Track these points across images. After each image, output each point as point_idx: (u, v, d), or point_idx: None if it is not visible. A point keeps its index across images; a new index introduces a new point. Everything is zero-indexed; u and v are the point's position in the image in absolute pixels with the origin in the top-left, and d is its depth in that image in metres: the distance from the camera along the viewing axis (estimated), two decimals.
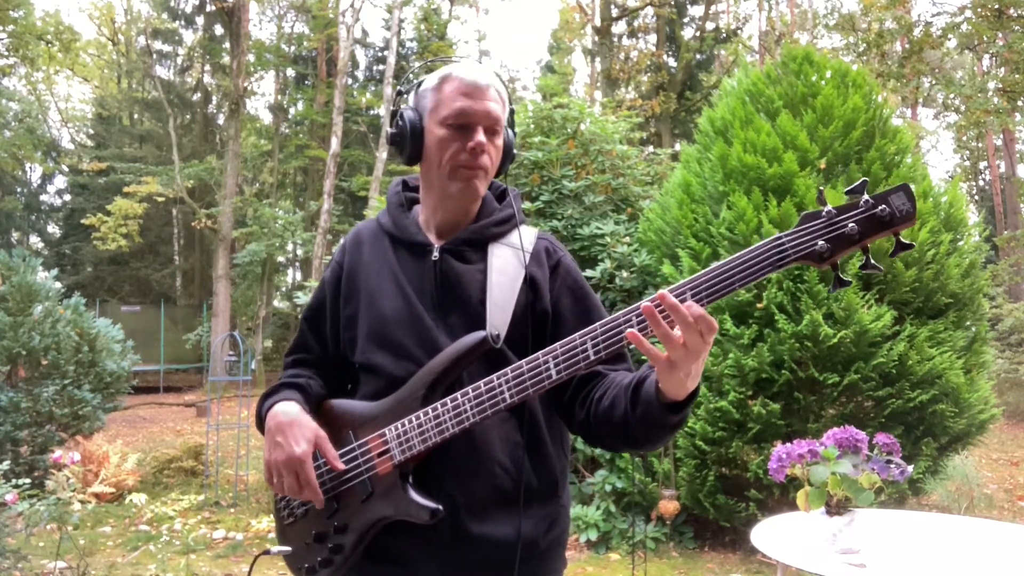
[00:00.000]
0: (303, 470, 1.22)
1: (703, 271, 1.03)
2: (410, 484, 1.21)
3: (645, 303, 1.02)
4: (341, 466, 1.25)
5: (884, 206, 0.95)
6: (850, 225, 0.96)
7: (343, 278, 1.38)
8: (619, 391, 1.17)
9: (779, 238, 1.00)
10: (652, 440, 1.17)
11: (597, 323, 1.10)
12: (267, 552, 1.32)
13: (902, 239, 0.97)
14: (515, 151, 1.39)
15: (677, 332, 0.99)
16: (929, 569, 2.07)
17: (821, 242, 0.98)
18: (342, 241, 1.46)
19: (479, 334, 1.19)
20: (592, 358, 1.10)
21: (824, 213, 0.98)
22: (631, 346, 1.08)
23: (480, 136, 1.25)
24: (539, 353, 1.13)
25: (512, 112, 1.38)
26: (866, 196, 0.96)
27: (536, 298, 1.29)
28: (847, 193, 0.98)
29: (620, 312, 1.09)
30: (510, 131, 1.35)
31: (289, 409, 1.28)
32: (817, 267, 1.00)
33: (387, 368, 1.28)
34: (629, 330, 1.03)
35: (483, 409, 1.15)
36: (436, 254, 1.31)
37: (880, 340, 4.41)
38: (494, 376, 1.15)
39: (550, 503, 1.29)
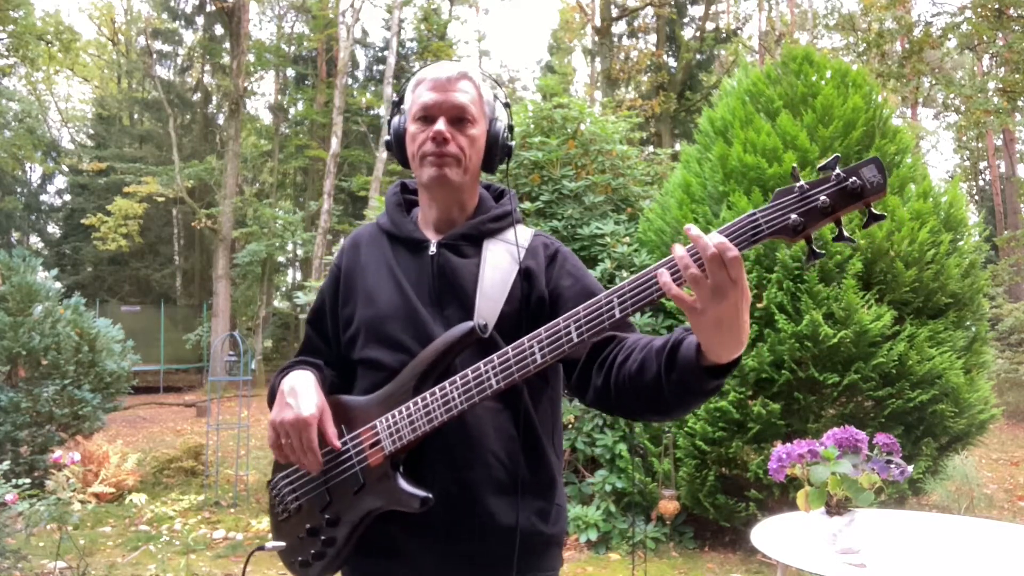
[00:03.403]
0: (307, 432, 1.23)
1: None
2: (400, 473, 1.22)
3: (657, 267, 1.02)
4: (339, 445, 1.26)
5: (855, 178, 0.96)
6: (822, 198, 0.97)
7: (341, 280, 1.41)
8: (648, 354, 1.14)
9: (753, 214, 1.00)
10: (683, 406, 1.14)
11: (580, 306, 1.10)
12: (262, 548, 1.33)
13: (874, 210, 0.99)
14: (509, 145, 1.39)
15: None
16: (929, 569, 2.07)
17: (794, 216, 0.98)
18: (341, 244, 1.48)
19: (466, 325, 1.21)
20: (575, 341, 1.10)
21: (796, 188, 0.99)
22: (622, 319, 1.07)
23: (440, 125, 1.29)
24: (524, 338, 1.14)
25: (508, 107, 1.39)
26: (838, 170, 0.98)
27: (532, 288, 1.31)
28: (820, 169, 0.99)
29: (603, 294, 1.09)
30: (498, 124, 1.36)
31: (305, 378, 1.30)
32: (791, 241, 1.00)
33: (385, 362, 1.29)
34: (660, 270, 1.01)
35: (470, 396, 1.16)
36: (433, 249, 1.33)
37: (880, 340, 4.41)
38: (480, 363, 1.16)
39: (545, 498, 1.29)
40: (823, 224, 0.99)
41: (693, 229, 0.97)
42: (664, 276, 1.00)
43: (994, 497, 6.13)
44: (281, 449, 1.27)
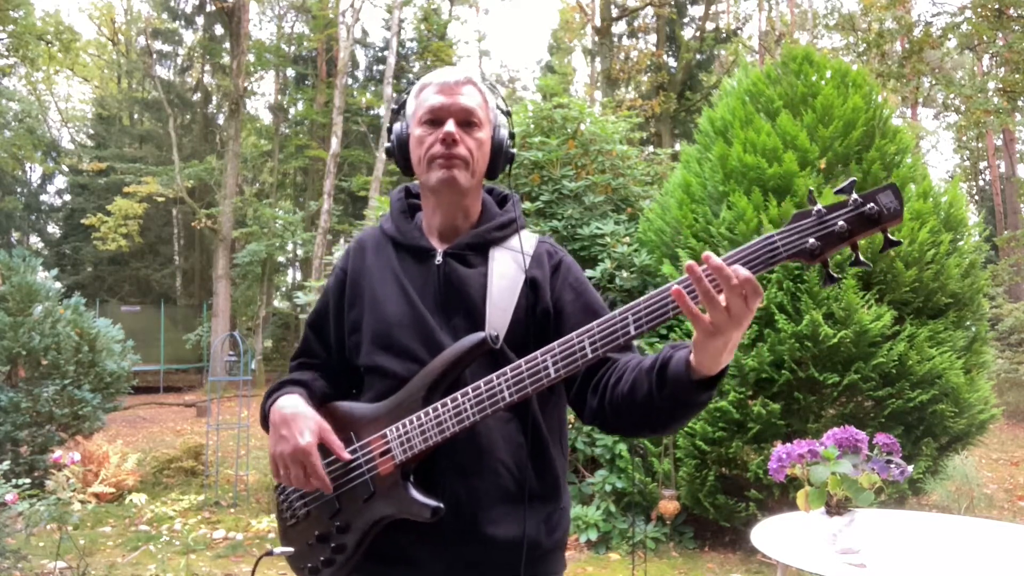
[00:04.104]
0: (309, 460, 1.23)
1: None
2: (411, 483, 1.22)
3: (673, 286, 1.02)
4: (347, 456, 1.26)
5: (872, 204, 0.97)
6: (840, 223, 0.98)
7: (347, 283, 1.40)
8: (639, 374, 1.16)
9: (771, 237, 1.01)
10: (676, 420, 1.16)
11: (594, 322, 1.11)
12: (270, 553, 1.33)
13: (890, 236, 1.00)
14: (512, 151, 1.40)
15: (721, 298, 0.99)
16: (929, 569, 2.07)
17: (812, 240, 0.99)
18: (346, 248, 1.48)
19: (478, 335, 1.20)
20: (589, 356, 1.10)
21: (814, 212, 1.00)
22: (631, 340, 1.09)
23: (450, 127, 1.29)
24: (537, 352, 1.14)
25: (508, 114, 1.40)
26: (855, 195, 0.98)
27: (537, 299, 1.31)
28: (836, 192, 1.00)
29: (617, 311, 1.10)
30: (502, 131, 1.37)
31: (293, 402, 1.30)
32: (808, 264, 1.02)
33: (392, 370, 1.29)
34: (675, 287, 1.02)
35: (483, 408, 1.16)
36: (439, 258, 1.33)
37: (880, 340, 4.41)
38: (493, 376, 1.16)
39: (551, 504, 1.30)
40: (840, 248, 1.00)
41: (713, 258, 0.97)
42: (681, 294, 1.01)
43: (994, 497, 6.13)
44: (288, 480, 1.27)
